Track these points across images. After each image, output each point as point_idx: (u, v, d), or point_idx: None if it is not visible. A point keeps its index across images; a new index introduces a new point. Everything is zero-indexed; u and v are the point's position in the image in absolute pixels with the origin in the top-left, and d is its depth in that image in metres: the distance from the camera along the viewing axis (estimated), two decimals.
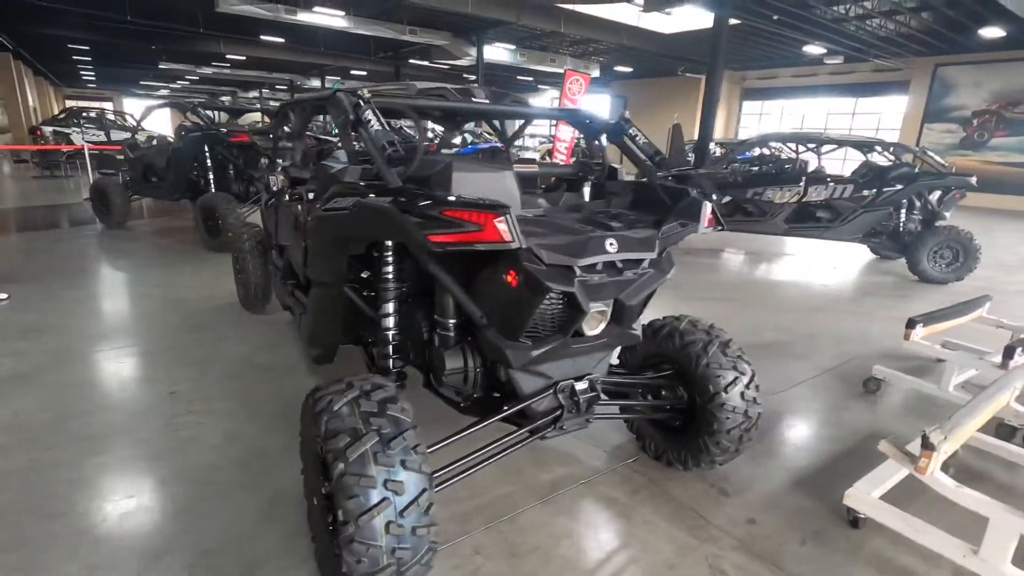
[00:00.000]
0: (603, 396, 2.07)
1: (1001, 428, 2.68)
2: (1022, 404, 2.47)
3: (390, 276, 2.10)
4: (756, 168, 8.45)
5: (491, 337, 1.83)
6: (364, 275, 2.37)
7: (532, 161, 5.58)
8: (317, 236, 2.35)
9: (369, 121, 2.05)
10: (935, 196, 6.16)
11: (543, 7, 13.57)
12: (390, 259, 2.07)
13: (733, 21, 13.08)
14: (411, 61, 20.56)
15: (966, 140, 15.54)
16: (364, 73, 25.32)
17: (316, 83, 28.21)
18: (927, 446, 1.78)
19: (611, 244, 1.74)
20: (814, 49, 15.11)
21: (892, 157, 6.89)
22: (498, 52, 17.00)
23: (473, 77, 17.89)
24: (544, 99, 28.52)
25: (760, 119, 21.71)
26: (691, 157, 12.17)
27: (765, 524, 2.12)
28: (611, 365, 2.30)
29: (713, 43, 10.82)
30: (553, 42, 18.27)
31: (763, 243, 7.76)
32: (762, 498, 2.27)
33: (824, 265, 6.90)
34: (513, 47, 17.26)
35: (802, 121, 20.49)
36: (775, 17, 12.49)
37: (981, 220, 11.75)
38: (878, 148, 6.65)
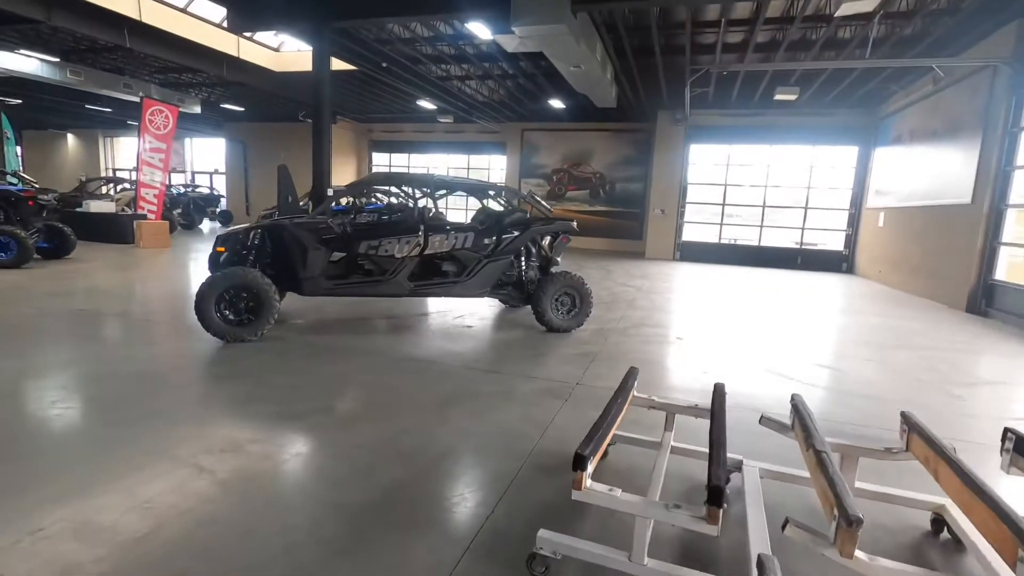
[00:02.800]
0: None
1: None
2: None
3: None
4: (385, 218, 7.40)
5: None
6: None
7: None
8: None
9: None
10: (546, 241, 6.00)
11: (94, 10, 10.02)
12: None
13: (347, 67, 12.39)
14: None
15: (551, 192, 18.63)
16: None
17: None
18: None
19: None
20: (427, 104, 15.73)
21: (504, 202, 6.66)
22: (24, 62, 12.10)
23: None
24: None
25: (390, 170, 22.00)
26: (308, 206, 10.70)
27: None
28: None
29: (316, 75, 9.54)
30: (132, 64, 14.28)
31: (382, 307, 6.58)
32: None
33: (457, 324, 6.08)
34: (55, 59, 12.60)
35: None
36: (384, 64, 12.23)
37: (573, 259, 13.65)
38: (491, 192, 6.27)
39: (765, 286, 10.72)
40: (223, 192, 22.12)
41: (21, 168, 23.31)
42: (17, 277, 7.64)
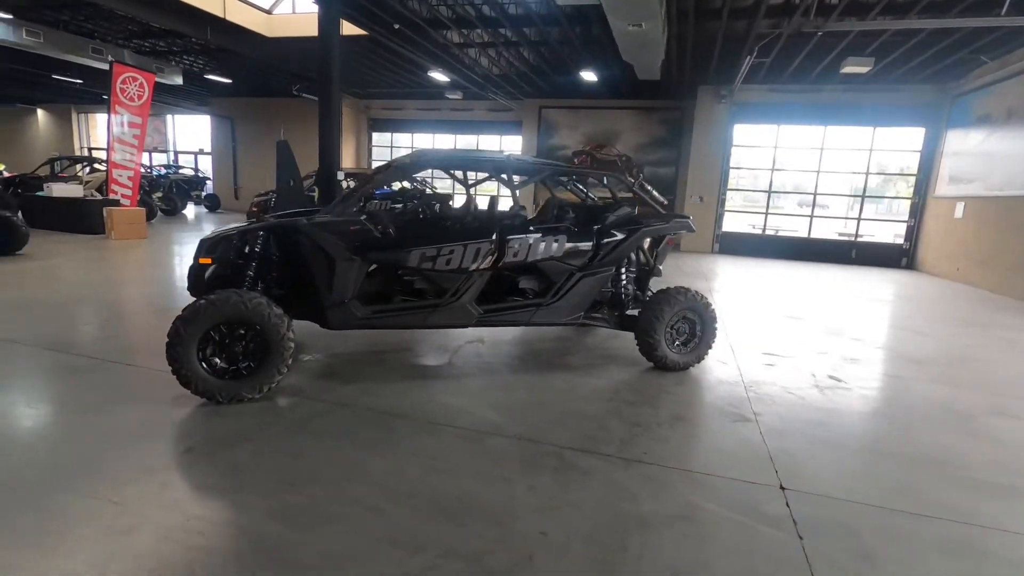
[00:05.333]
0: None
1: None
2: None
3: None
4: (405, 207, 5.83)
5: None
6: None
7: None
8: None
9: None
10: (646, 244, 4.46)
11: None
12: None
13: (347, 32, 10.63)
14: None
15: None
16: None
17: None
18: None
19: None
20: (439, 76, 13.96)
21: (583, 192, 5.07)
22: None
23: None
24: None
25: (392, 151, 20.20)
26: (314, 192, 9.05)
27: None
28: None
29: (324, 37, 7.83)
30: (101, 27, 12.38)
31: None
32: None
33: (504, 355, 4.53)
34: (7, 16, 10.69)
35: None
36: (396, 26, 10.47)
37: None
38: (592, 179, 4.69)
39: (848, 287, 9.25)
40: (209, 174, 20.21)
41: None
42: None
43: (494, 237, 3.66)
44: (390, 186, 7.50)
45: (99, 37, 12.93)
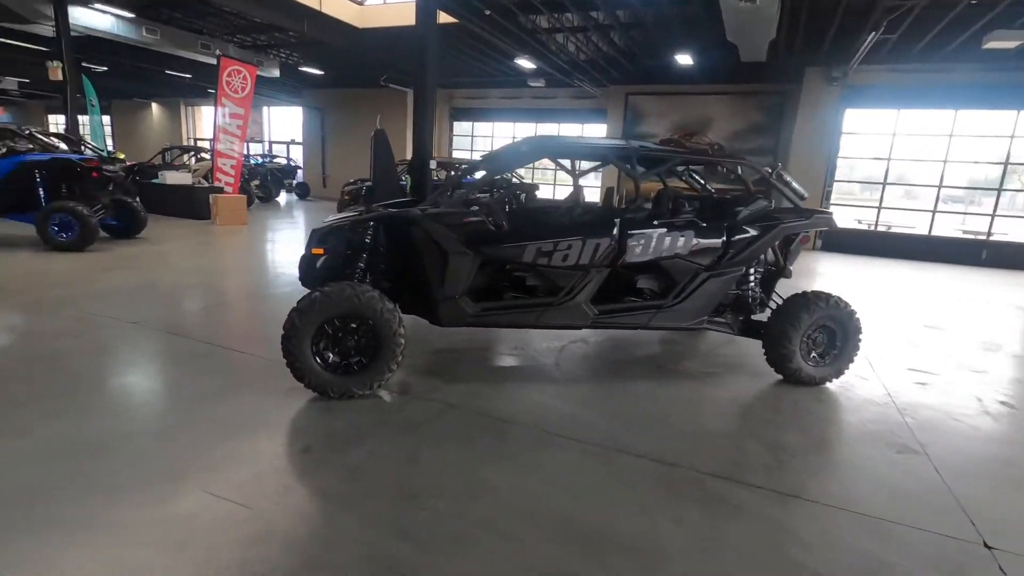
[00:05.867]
0: None
1: None
2: None
3: None
4: (492, 197, 5.62)
5: None
6: None
7: None
8: None
9: None
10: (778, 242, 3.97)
11: None
12: None
13: (443, 19, 10.57)
14: None
15: None
16: None
17: None
18: None
19: None
20: (524, 63, 13.68)
21: (700, 183, 4.64)
22: (99, 18, 11.03)
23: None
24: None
25: (472, 140, 20.21)
26: (405, 180, 9.09)
27: None
28: None
29: (422, 26, 7.75)
30: (209, 23, 13.10)
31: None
32: None
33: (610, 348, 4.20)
34: (130, 15, 11.49)
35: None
36: (487, 12, 10.28)
37: None
38: (721, 168, 4.26)
39: (985, 292, 8.13)
40: (300, 163, 21.12)
41: (109, 137, 23.34)
42: (73, 264, 6.42)
43: (615, 232, 3.34)
44: (473, 176, 7.40)
45: (207, 33, 13.70)
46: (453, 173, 7.57)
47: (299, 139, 21.84)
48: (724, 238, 3.53)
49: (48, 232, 6.99)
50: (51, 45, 11.85)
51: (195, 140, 24.45)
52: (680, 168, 4.39)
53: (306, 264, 3.46)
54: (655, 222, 3.47)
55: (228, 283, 6.27)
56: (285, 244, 9.19)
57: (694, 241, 3.48)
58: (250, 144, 23.61)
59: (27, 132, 8.00)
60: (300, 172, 20.73)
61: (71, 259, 6.68)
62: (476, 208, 3.35)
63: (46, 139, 8.19)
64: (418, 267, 3.34)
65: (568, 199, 5.43)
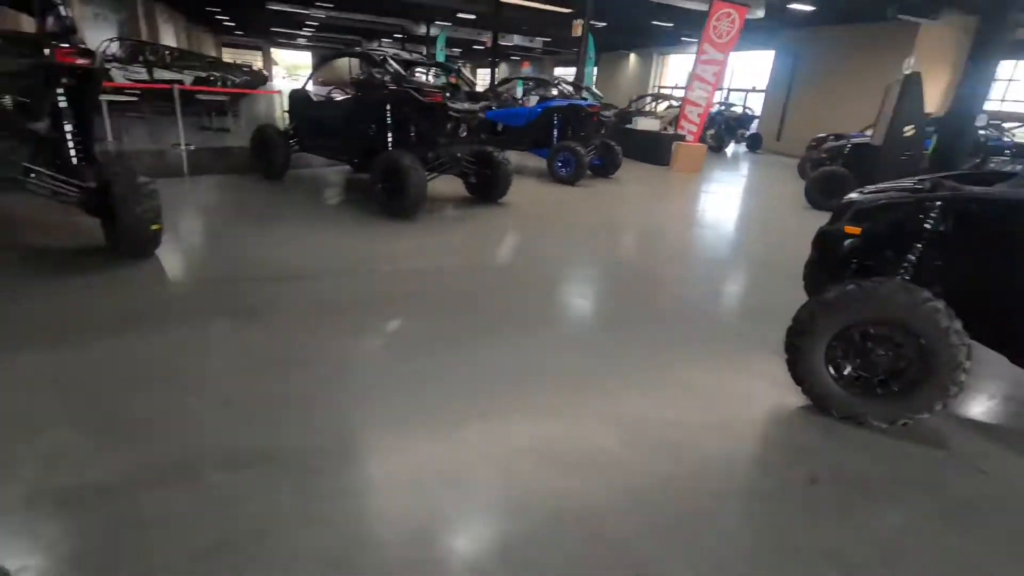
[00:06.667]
0: None
1: None
2: None
3: None
4: None
5: None
6: None
7: None
8: None
9: None
10: None
11: None
12: None
13: None
14: None
15: None
16: (473, 17, 21.64)
17: (422, 29, 25.25)
18: None
19: None
20: None
21: None
22: None
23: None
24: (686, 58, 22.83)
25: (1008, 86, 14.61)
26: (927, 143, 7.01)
27: None
28: None
29: None
30: None
31: None
32: None
33: None
34: None
35: None
36: None
37: None
38: None
39: None
40: (756, 113, 19.80)
41: (593, 87, 27.25)
42: (567, 195, 7.56)
43: None
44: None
45: None
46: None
47: (759, 86, 20.39)
48: None
49: (553, 166, 8.44)
50: (575, 6, 14.05)
51: (658, 88, 25.91)
52: None
53: (831, 243, 2.82)
54: None
55: (688, 235, 6.24)
56: (734, 198, 8.77)
57: None
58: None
59: (556, 82, 9.69)
60: (755, 123, 19.49)
61: (564, 191, 7.91)
62: None
63: (567, 88, 9.78)
64: (1018, 278, 2.26)
65: None
